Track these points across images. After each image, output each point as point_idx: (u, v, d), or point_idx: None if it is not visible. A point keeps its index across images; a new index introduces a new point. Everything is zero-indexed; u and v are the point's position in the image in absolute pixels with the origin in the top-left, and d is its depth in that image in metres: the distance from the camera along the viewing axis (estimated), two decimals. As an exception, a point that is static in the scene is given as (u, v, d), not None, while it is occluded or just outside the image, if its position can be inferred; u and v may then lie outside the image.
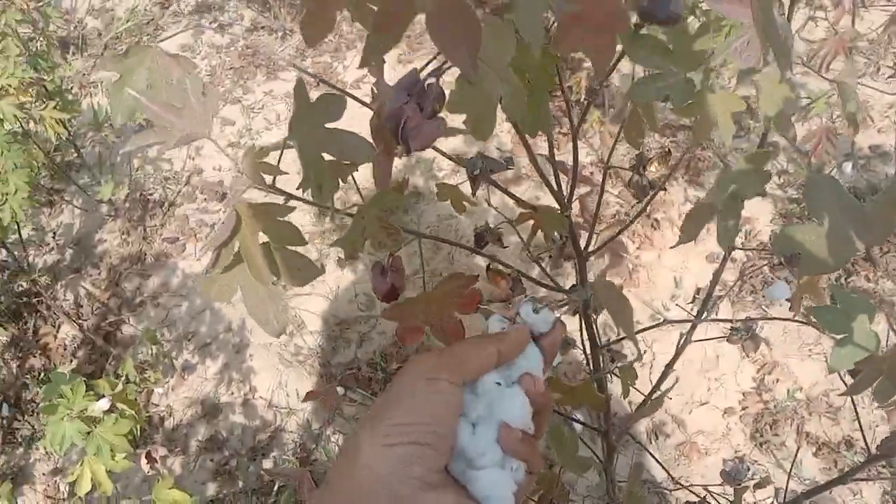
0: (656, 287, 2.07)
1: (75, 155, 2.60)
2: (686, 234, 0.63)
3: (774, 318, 0.80)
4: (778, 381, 1.83)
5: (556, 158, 0.71)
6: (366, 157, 0.51)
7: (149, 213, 2.46)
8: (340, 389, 2.01)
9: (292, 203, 0.52)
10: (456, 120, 0.44)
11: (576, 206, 0.96)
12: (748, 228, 2.13)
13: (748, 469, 1.58)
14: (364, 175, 0.51)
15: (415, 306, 0.60)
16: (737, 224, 0.55)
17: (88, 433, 1.22)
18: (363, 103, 0.62)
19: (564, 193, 0.72)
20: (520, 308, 0.53)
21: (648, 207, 2.21)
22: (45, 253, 2.42)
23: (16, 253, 2.23)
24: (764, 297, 1.93)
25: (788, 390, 1.80)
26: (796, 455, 1.35)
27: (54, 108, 2.07)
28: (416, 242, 0.68)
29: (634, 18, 0.37)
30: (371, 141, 0.51)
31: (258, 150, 0.51)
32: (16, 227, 2.11)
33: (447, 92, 0.41)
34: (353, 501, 0.43)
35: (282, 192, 0.54)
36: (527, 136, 0.54)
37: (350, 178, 0.58)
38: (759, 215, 2.15)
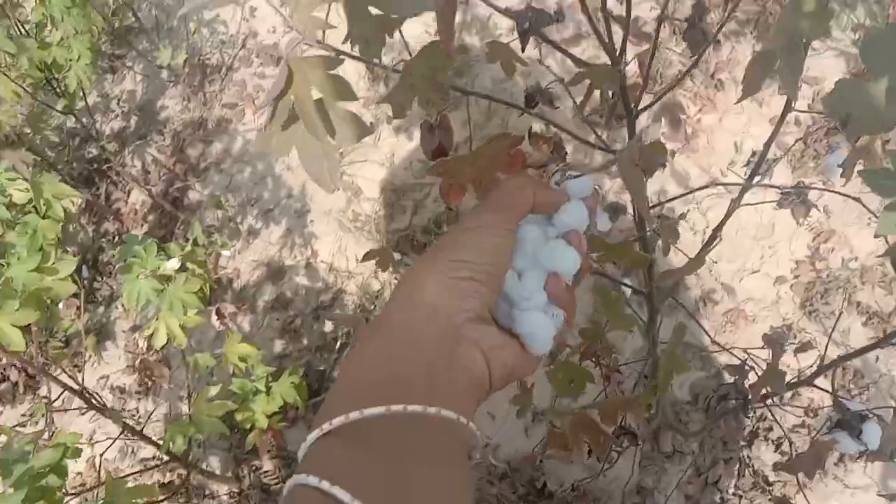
0: (715, 152, 2.02)
1: (133, 19, 2.61)
2: (748, 85, 0.62)
3: (825, 190, 0.79)
4: (833, 249, 1.80)
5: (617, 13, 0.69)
6: (411, 10, 0.51)
7: (207, 79, 2.48)
8: (397, 255, 2.08)
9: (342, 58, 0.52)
10: None
11: (634, 65, 0.94)
12: (816, 89, 2.03)
13: (792, 335, 1.61)
14: (413, 33, 0.51)
15: (461, 164, 0.61)
16: (799, 69, 0.53)
17: (161, 291, 1.31)
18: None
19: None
20: (552, 178, 0.54)
21: (713, 66, 2.12)
22: (112, 119, 2.50)
23: (84, 120, 2.30)
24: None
25: (843, 259, 1.78)
26: (838, 319, 1.35)
27: (109, -29, 2.06)
28: (466, 104, 0.69)
29: None
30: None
31: (307, 3, 0.51)
32: (82, 93, 2.18)
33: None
34: (409, 327, 0.46)
35: (330, 48, 0.55)
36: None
37: (399, 35, 0.58)
38: (830, 75, 2.03)
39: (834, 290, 1.75)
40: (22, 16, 2.04)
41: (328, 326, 1.97)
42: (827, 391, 0.97)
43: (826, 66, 2.05)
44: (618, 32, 0.71)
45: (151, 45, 2.57)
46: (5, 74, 1.85)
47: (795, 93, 0.56)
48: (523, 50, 0.74)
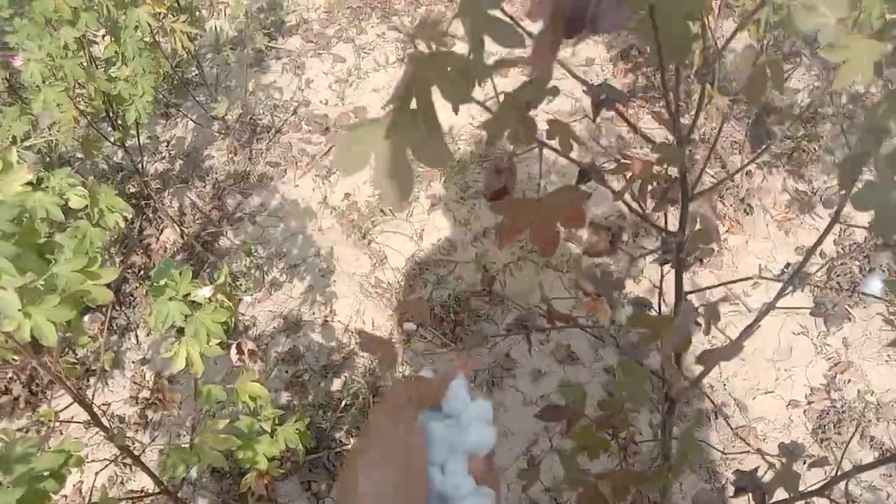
0: (739, 273, 2.05)
1: (195, 73, 2.74)
2: (842, 182, 0.64)
3: (849, 313, 0.82)
4: (850, 381, 1.80)
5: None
6: (515, 44, 0.55)
7: (256, 137, 2.58)
8: (412, 325, 2.09)
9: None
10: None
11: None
12: (842, 228, 2.08)
13: (805, 452, 1.58)
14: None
15: (522, 207, 0.63)
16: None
17: (189, 316, 1.33)
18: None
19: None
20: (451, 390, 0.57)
21: (744, 191, 2.19)
22: (157, 161, 2.59)
23: (132, 156, 2.39)
24: (854, 293, 1.90)
25: (859, 391, 1.78)
26: (846, 446, 1.34)
27: (184, 22, 2.19)
28: (540, 154, 0.72)
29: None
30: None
31: (432, 21, 0.54)
32: (136, 130, 2.27)
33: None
34: None
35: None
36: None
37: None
38: (858, 216, 2.09)
39: (847, 422, 1.74)
40: (95, 50, 2.16)
41: (335, 385, 1.96)
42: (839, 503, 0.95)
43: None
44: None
45: (208, 98, 2.69)
46: (71, 99, 1.94)
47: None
48: (595, 119, 0.78)
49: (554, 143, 0.77)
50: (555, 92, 0.59)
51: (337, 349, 2.05)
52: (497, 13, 0.49)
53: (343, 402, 1.92)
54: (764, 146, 0.85)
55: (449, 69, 0.47)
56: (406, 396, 0.55)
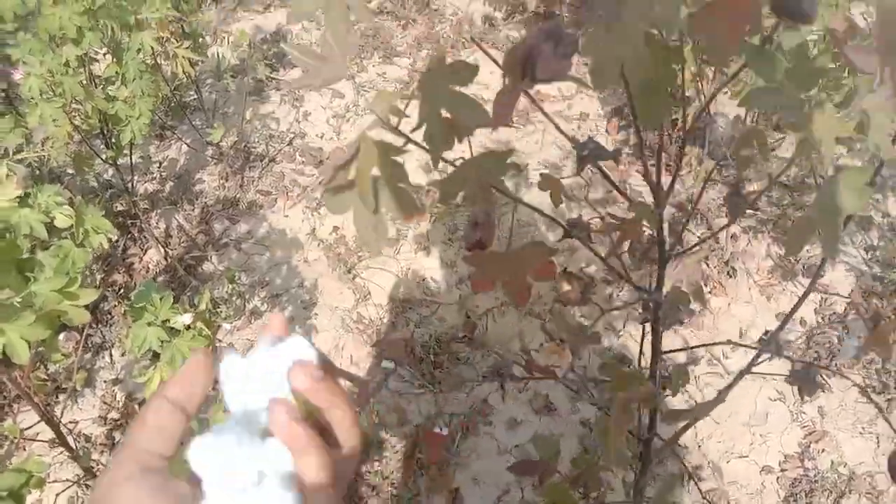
0: (720, 335, 2.06)
1: (193, 97, 2.76)
2: (790, 247, 0.65)
3: (832, 371, 0.83)
4: (824, 451, 1.80)
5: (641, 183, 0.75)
6: (478, 123, 0.57)
7: (249, 164, 2.59)
8: (391, 364, 2.08)
9: (408, 147, 0.58)
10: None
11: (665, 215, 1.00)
12: (822, 297, 2.10)
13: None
14: (478, 140, 0.57)
15: (495, 260, 0.65)
16: (837, 237, 0.57)
17: (166, 342, 1.32)
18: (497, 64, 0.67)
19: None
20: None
21: (728, 254, 2.21)
22: (148, 181, 2.58)
23: (124, 175, 2.38)
24: (832, 362, 1.91)
25: (833, 462, 1.77)
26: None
27: (187, 48, 2.21)
28: (513, 209, 0.73)
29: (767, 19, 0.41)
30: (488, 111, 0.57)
31: (390, 93, 0.57)
32: (128, 150, 2.27)
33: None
34: None
35: (402, 134, 0.60)
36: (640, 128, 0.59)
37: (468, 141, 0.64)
38: (840, 286, 2.12)
39: (820, 492, 1.73)
40: (96, 68, 2.17)
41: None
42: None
43: (838, 278, 2.14)
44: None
45: (204, 123, 2.71)
46: (67, 115, 1.94)
47: (835, 253, 0.60)
48: (579, 173, 0.79)
49: (538, 197, 0.78)
50: (517, 167, 0.61)
51: (313, 383, 2.02)
52: (460, 89, 0.50)
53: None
54: (738, 214, 0.86)
55: (392, 159, 0.50)
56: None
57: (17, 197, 1.17)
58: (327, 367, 0.45)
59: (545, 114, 0.77)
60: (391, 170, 0.57)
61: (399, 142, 0.58)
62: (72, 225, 1.19)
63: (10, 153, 1.93)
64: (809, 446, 1.81)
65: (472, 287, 0.66)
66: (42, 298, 1.07)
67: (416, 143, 0.61)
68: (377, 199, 0.57)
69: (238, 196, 2.50)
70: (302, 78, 0.60)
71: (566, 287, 0.77)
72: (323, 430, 0.44)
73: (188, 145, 2.64)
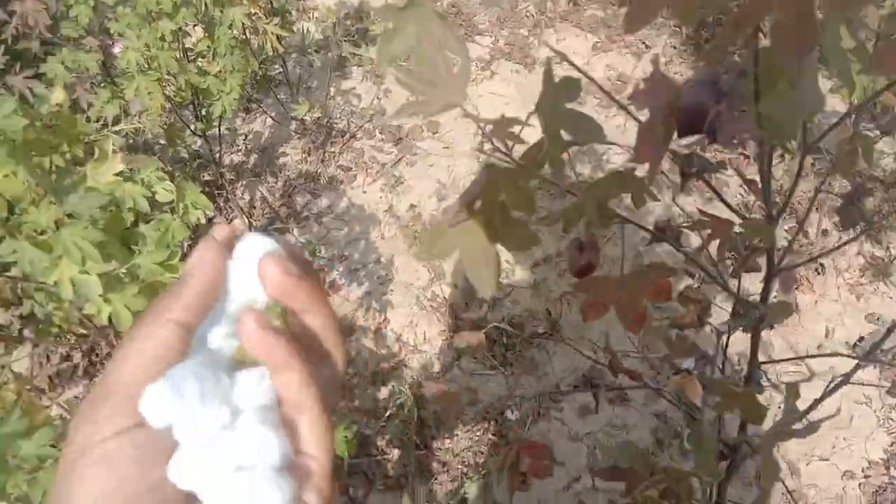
0: (805, 332, 2.00)
1: (279, 71, 2.81)
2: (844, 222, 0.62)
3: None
4: (912, 459, 1.74)
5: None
6: (595, 138, 0.56)
7: (330, 140, 2.63)
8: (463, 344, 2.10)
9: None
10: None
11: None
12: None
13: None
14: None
15: (608, 284, 0.63)
16: None
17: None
18: (603, 91, 0.66)
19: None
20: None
21: (818, 251, 2.13)
22: (234, 152, 2.65)
23: (212, 146, 2.45)
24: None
25: (921, 472, 1.71)
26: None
27: (275, 24, 2.25)
28: (622, 232, 0.72)
29: None
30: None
31: (506, 121, 0.56)
32: (218, 122, 2.33)
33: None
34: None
35: (518, 161, 0.59)
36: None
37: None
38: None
39: (905, 502, 1.67)
40: (187, 42, 2.23)
41: (382, 394, 1.97)
42: None
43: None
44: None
45: (289, 97, 2.75)
46: (161, 88, 2.01)
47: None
48: (682, 189, 0.77)
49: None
50: (651, 195, 0.59)
51: (387, 357, 2.06)
52: (574, 106, 0.49)
53: (388, 412, 1.93)
54: (856, 228, 0.83)
55: (519, 183, 0.49)
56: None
57: (121, 171, 1.22)
58: (301, 262, 0.36)
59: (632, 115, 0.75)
60: (520, 197, 0.56)
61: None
62: (173, 200, 1.24)
63: (109, 124, 2.01)
64: (896, 453, 1.75)
65: (583, 316, 0.65)
66: (145, 270, 1.12)
67: (536, 174, 0.59)
68: (496, 229, 0.56)
69: (319, 171, 2.54)
70: (410, 105, 0.55)
71: (682, 309, 0.75)
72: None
73: (273, 118, 2.70)
